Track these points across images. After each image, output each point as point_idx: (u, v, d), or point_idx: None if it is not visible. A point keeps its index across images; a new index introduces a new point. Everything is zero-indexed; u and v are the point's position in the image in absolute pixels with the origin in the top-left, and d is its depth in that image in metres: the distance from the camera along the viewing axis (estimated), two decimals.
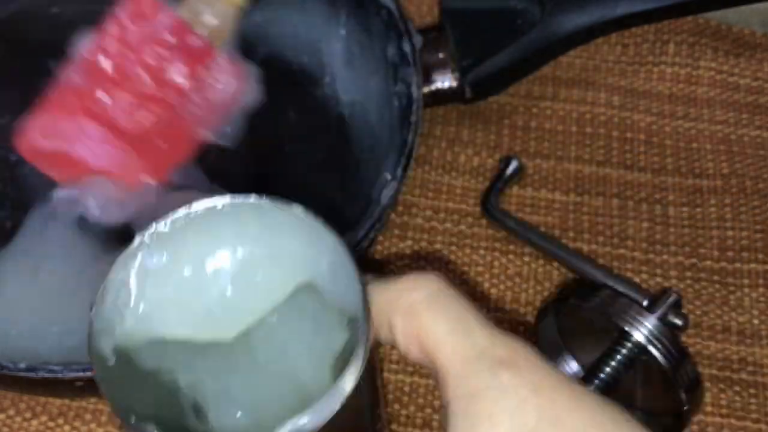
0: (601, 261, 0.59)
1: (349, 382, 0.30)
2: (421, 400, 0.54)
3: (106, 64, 0.53)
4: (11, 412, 0.54)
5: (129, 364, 0.32)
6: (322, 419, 0.30)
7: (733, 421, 0.54)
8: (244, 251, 0.34)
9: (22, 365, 0.46)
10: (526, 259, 0.59)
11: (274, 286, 0.34)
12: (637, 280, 0.58)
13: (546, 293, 0.58)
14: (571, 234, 0.60)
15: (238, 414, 0.33)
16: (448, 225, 0.61)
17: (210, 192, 0.55)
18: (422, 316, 0.32)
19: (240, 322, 0.34)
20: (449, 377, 0.32)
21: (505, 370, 0.31)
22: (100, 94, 0.53)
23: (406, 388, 0.55)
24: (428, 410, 0.54)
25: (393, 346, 0.34)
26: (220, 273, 0.34)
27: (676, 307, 0.51)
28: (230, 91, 0.53)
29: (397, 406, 0.54)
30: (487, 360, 0.31)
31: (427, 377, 0.55)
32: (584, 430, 0.30)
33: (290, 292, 0.34)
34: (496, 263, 0.59)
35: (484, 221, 0.61)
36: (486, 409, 0.30)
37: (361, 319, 0.31)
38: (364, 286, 0.32)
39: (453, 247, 0.60)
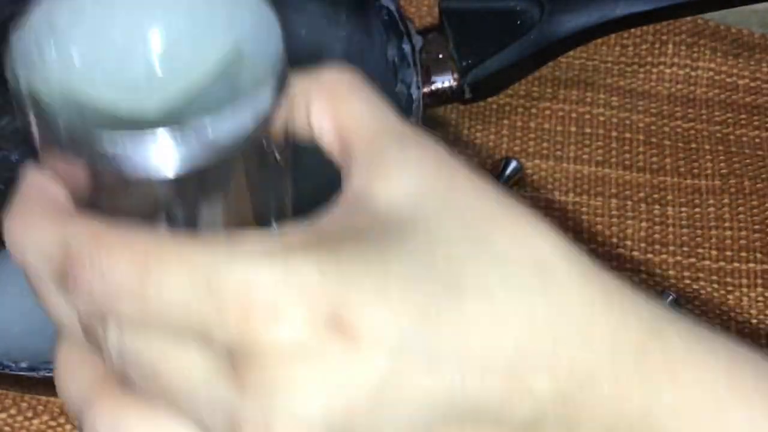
0: (599, 261, 0.59)
1: (263, 95, 0.29)
2: None
3: None
4: (13, 411, 0.54)
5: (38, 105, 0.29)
6: (227, 132, 0.27)
7: None
8: (172, 25, 0.32)
9: (24, 365, 0.46)
10: None
11: (201, 59, 0.32)
12: (635, 280, 0.59)
13: None
14: (570, 234, 0.60)
15: None
16: None
17: None
18: (341, 96, 0.33)
19: (164, 99, 0.32)
20: (356, 152, 0.32)
21: (413, 145, 0.32)
22: None
23: None
24: None
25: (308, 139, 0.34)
26: (147, 47, 0.32)
27: (675, 307, 0.51)
28: None
29: None
30: (397, 135, 0.32)
31: None
32: (475, 201, 0.30)
33: (215, 61, 0.32)
34: None
35: None
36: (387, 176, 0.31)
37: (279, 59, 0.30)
38: (284, 40, 0.31)
39: None
